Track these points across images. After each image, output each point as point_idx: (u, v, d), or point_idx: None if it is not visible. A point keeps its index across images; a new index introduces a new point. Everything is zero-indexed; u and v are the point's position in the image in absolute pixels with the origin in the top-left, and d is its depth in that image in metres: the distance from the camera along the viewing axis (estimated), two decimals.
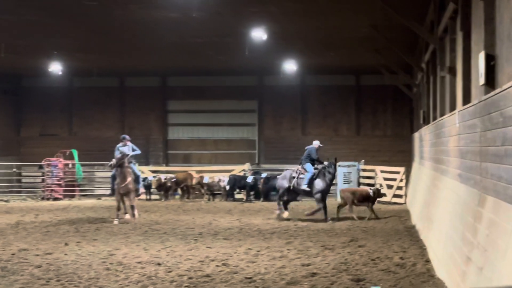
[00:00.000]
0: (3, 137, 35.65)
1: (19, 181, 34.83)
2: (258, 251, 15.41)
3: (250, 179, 28.92)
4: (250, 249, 15.71)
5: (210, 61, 30.67)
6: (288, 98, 36.12)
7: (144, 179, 29.87)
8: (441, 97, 18.74)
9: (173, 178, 29.78)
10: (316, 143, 22.76)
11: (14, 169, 32.49)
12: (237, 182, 29.29)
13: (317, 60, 30.70)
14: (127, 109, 37.21)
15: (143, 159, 35.60)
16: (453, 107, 15.72)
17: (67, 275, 12.64)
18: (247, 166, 31.70)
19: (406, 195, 27.60)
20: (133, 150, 22.49)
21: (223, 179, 29.38)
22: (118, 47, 26.80)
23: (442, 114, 17.97)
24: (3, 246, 16.34)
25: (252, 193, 29.40)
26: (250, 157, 36.03)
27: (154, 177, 30.15)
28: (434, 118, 20.34)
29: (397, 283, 11.71)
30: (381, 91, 35.42)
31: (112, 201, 29.41)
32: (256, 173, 29.76)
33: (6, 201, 29.95)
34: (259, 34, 21.90)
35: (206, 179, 29.44)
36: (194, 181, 29.80)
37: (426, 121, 23.67)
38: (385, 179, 28.73)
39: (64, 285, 11.81)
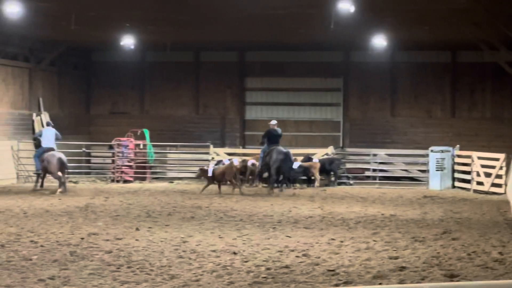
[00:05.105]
0: (73, 115, 36.37)
1: (88, 161, 35.38)
2: (342, 241, 15.40)
3: (296, 165, 28.90)
4: (333, 239, 15.71)
5: (291, 35, 30.60)
6: (376, 76, 35.76)
7: (218, 162, 29.99)
8: None
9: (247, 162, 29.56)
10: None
11: (83, 149, 33.08)
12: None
13: (409, 35, 30.29)
14: (202, 86, 37.45)
15: (218, 141, 35.84)
16: None
17: (138, 262, 12.90)
18: (330, 149, 31.61)
19: (506, 184, 27.11)
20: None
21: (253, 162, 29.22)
22: (193, 19, 26.93)
23: None
24: (71, 229, 16.75)
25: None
26: (334, 140, 35.90)
27: (229, 160, 30.06)
28: None
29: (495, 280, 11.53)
30: (480, 69, 34.71)
31: (184, 185, 29.91)
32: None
33: (75, 182, 30.55)
34: (346, 6, 21.68)
35: (251, 162, 29.14)
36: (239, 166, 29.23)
37: None
38: (483, 166, 28.28)
39: (135, 272, 12.05)
